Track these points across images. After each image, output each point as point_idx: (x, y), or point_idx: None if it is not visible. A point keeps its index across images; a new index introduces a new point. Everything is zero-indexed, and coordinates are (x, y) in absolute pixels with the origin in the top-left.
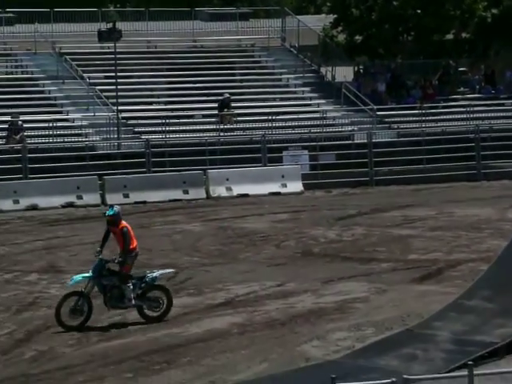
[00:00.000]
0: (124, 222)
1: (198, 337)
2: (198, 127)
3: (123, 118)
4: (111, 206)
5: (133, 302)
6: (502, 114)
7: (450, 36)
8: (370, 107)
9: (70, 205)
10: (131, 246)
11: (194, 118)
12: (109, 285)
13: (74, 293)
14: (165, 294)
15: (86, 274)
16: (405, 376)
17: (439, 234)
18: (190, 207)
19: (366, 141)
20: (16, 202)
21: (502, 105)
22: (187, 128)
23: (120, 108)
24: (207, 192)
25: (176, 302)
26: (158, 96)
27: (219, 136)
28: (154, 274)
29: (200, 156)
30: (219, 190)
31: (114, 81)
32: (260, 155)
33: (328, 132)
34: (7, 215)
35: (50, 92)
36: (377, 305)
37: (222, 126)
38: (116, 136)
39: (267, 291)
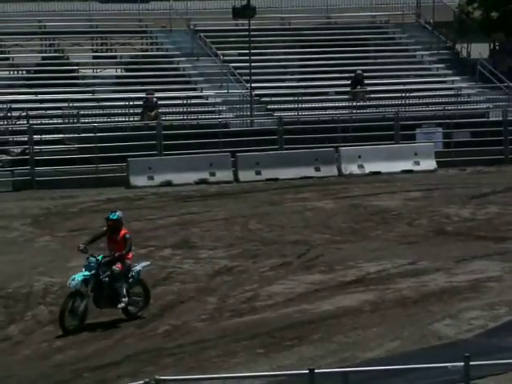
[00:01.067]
0: (125, 229)
1: (329, 314)
2: (330, 104)
3: (256, 95)
4: (113, 211)
5: (126, 299)
6: None
7: None
8: (505, 84)
9: (203, 181)
10: (129, 256)
11: (326, 95)
12: (106, 282)
13: (76, 293)
14: (143, 289)
15: (86, 273)
16: None
17: None
18: (322, 184)
19: (501, 118)
20: (150, 178)
21: None
22: (319, 105)
23: (253, 85)
24: (339, 169)
25: (307, 279)
26: (291, 73)
27: (351, 113)
28: (137, 268)
29: (332, 133)
30: (351, 168)
31: (247, 58)
32: (393, 133)
33: (462, 109)
34: (142, 191)
35: (184, 69)
36: (510, 284)
37: (354, 103)
38: (249, 113)
39: (399, 269)
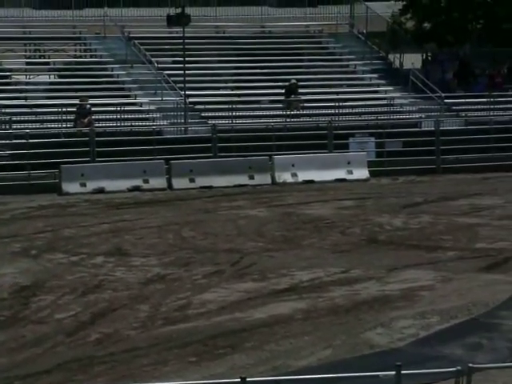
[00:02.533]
0: None
1: (261, 322)
2: (264, 113)
3: (190, 102)
4: None
5: None
6: None
7: None
8: (437, 95)
9: (137, 188)
10: None
11: (260, 104)
12: None
13: None
14: None
15: None
16: (470, 365)
17: (507, 224)
18: (256, 192)
19: (433, 128)
20: (83, 185)
21: None
22: (254, 113)
23: (187, 93)
24: (273, 177)
25: (240, 287)
26: (226, 81)
27: (285, 122)
28: None
29: (266, 142)
30: (285, 176)
31: (181, 66)
32: (326, 141)
33: (395, 119)
34: (74, 198)
35: (118, 76)
36: (442, 293)
37: (288, 112)
38: (183, 121)
39: (332, 277)
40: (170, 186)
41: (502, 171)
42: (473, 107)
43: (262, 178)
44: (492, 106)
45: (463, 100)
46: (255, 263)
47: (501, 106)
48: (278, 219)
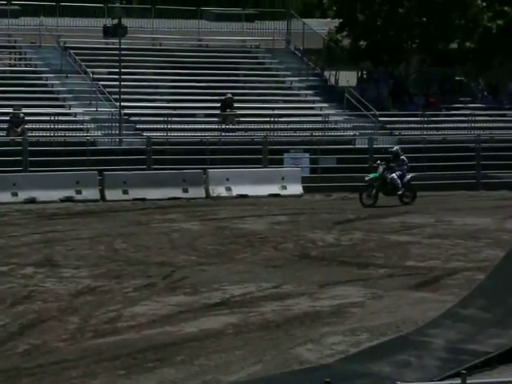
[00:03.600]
0: None
1: (192, 336)
2: (199, 126)
3: (125, 114)
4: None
5: None
6: (503, 125)
7: (454, 45)
8: (372, 113)
9: (69, 199)
10: None
11: (196, 117)
12: None
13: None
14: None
15: None
16: (398, 382)
17: (437, 242)
18: (189, 206)
19: (367, 146)
20: (15, 194)
21: (504, 115)
22: (189, 127)
23: (123, 104)
24: (207, 191)
25: (172, 301)
26: (162, 94)
27: (221, 136)
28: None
29: (201, 155)
30: (219, 190)
31: (117, 77)
32: (261, 156)
33: (330, 136)
34: (5, 207)
35: (53, 86)
36: (372, 310)
37: (223, 126)
38: (117, 132)
39: (263, 292)
40: (102, 197)
41: (433, 190)
42: (406, 126)
43: (196, 192)
44: (425, 125)
45: (397, 118)
46: (187, 277)
47: (434, 126)
48: (211, 233)
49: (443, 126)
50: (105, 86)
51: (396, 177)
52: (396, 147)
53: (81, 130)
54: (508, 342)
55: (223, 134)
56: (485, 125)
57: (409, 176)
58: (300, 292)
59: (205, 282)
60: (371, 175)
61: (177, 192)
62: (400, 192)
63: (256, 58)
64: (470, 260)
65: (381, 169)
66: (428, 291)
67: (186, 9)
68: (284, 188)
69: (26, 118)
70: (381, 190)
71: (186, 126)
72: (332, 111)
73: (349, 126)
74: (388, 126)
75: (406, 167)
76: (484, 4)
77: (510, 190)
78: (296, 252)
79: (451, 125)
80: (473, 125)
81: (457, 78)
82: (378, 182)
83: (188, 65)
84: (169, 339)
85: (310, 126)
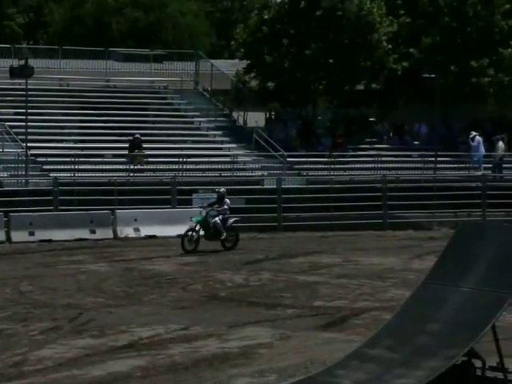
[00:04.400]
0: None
1: (99, 379)
2: (107, 167)
3: (32, 154)
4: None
5: None
6: (408, 165)
7: (360, 86)
8: (280, 153)
9: None
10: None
11: (104, 157)
12: None
13: None
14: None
15: None
16: None
17: (344, 282)
18: (97, 247)
19: (275, 186)
20: None
21: (409, 156)
22: (97, 167)
23: (29, 145)
24: (114, 232)
25: (78, 344)
26: (69, 134)
27: (129, 176)
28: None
29: (109, 195)
30: (127, 231)
31: (24, 117)
32: (169, 197)
33: (238, 176)
34: None
35: None
36: (281, 351)
37: (132, 167)
38: (24, 173)
39: (171, 334)
40: (8, 238)
41: (341, 230)
42: (314, 166)
43: (104, 233)
44: (332, 166)
45: (305, 159)
46: (94, 319)
47: (341, 166)
48: (119, 274)
49: (350, 166)
50: (11, 127)
51: (219, 221)
52: (223, 189)
53: None
54: (414, 382)
55: (131, 174)
56: (391, 165)
57: (231, 220)
58: (208, 333)
59: (112, 324)
60: (194, 219)
61: (84, 233)
62: (223, 237)
63: (164, 98)
64: (377, 300)
65: (204, 212)
66: (336, 331)
67: (93, 49)
68: None
69: None
70: (204, 235)
71: (93, 167)
72: (240, 151)
73: (257, 166)
74: (296, 166)
75: (228, 211)
76: (390, 46)
77: (416, 230)
78: (204, 293)
79: (358, 165)
80: (379, 165)
81: (363, 119)
82: (201, 226)
83: (96, 105)
84: (75, 383)
85: (219, 166)
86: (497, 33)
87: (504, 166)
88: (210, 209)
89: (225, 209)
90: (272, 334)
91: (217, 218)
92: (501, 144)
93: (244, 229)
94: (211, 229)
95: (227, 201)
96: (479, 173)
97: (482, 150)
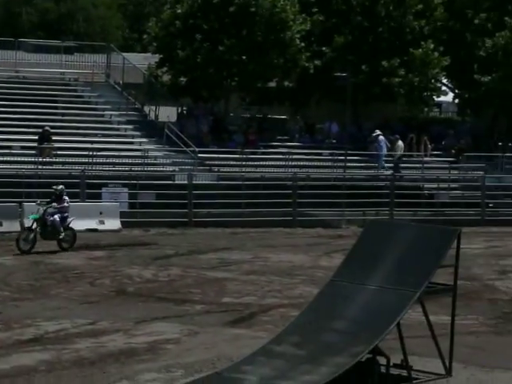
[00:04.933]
0: None
1: (3, 373)
2: (15, 159)
3: None
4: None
5: None
6: (319, 164)
7: (273, 84)
8: (191, 149)
9: None
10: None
11: (12, 149)
12: None
13: None
14: None
15: None
16: None
17: (253, 279)
18: (4, 240)
19: (186, 182)
20: None
21: (320, 154)
22: (4, 159)
23: None
24: (22, 225)
25: None
26: None
27: (37, 169)
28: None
29: (16, 188)
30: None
31: None
32: (79, 190)
33: (149, 171)
34: None
35: None
36: (188, 347)
37: (40, 159)
38: None
39: (78, 329)
40: None
41: (251, 227)
42: (226, 163)
43: (11, 225)
44: (244, 163)
45: (216, 155)
46: (0, 313)
47: (252, 163)
48: (26, 268)
49: (261, 163)
50: None
51: (58, 219)
52: (61, 186)
53: None
54: (320, 378)
55: (40, 166)
56: (301, 163)
57: (71, 219)
58: (116, 328)
59: (18, 317)
60: (30, 216)
61: None
62: (61, 236)
63: (75, 90)
64: (285, 297)
65: (41, 210)
66: (243, 328)
67: (2, 40)
68: (102, 223)
69: None
70: (40, 233)
71: (1, 158)
72: (152, 146)
73: (168, 161)
74: (207, 162)
75: (68, 209)
76: (302, 44)
77: (325, 228)
78: (112, 288)
79: (269, 162)
80: (290, 163)
81: (275, 117)
82: (38, 224)
83: (5, 96)
84: None
85: (129, 160)
86: (408, 33)
87: (409, 165)
88: (48, 206)
89: (64, 207)
90: (180, 329)
91: (56, 216)
92: (400, 143)
93: (154, 224)
94: (49, 227)
95: (66, 198)
96: (388, 172)
97: (385, 150)
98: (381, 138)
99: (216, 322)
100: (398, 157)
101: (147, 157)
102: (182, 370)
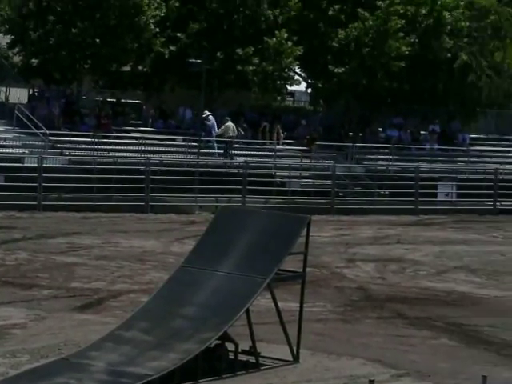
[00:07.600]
0: None
1: None
2: None
3: None
4: None
5: None
6: (172, 149)
7: (127, 68)
8: (42, 131)
9: None
10: None
11: None
12: None
13: None
14: None
15: None
16: None
17: (103, 264)
18: None
19: (36, 165)
20: None
21: (174, 140)
22: None
23: None
24: None
25: None
26: None
27: None
28: None
29: None
30: None
31: None
32: None
33: None
34: None
35: None
36: (34, 332)
37: None
38: None
39: None
40: None
41: (102, 211)
42: (77, 146)
43: None
44: (96, 147)
45: (68, 138)
46: None
47: (105, 147)
48: None
49: (114, 148)
50: None
51: None
52: None
53: None
54: (168, 364)
55: None
56: (155, 148)
57: None
58: None
59: None
60: None
61: None
62: None
63: None
64: (135, 282)
65: None
66: (92, 313)
67: None
68: None
69: None
70: None
71: None
72: (1, 128)
73: (18, 143)
74: (59, 145)
75: None
76: (157, 29)
77: (178, 214)
78: None
79: (122, 147)
80: (143, 148)
81: (129, 101)
82: None
83: None
84: None
85: None
86: (263, 22)
87: (261, 153)
88: None
89: None
90: (26, 314)
91: None
92: (230, 124)
93: (2, 207)
94: None
95: None
96: (242, 159)
97: (216, 130)
98: (211, 117)
99: (64, 307)
100: (228, 136)
101: None
102: (28, 356)
